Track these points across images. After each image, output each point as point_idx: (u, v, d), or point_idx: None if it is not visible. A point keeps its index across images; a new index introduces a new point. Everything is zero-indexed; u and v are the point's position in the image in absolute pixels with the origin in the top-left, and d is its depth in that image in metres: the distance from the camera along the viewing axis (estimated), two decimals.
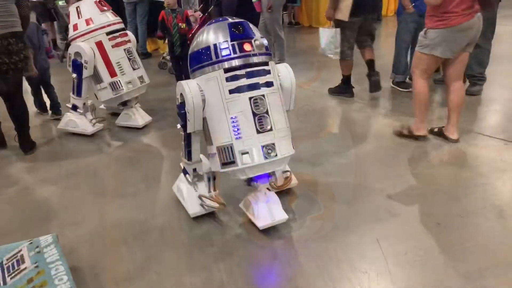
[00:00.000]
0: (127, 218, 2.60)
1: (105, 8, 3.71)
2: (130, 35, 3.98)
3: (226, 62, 2.12)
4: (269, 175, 2.31)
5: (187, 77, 4.75)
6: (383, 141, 3.48)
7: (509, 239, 2.26)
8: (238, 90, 2.12)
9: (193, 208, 2.47)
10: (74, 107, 3.82)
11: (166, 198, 2.78)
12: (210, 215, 2.53)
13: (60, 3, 6.07)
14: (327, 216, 2.51)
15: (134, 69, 3.77)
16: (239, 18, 2.30)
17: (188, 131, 2.28)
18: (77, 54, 3.59)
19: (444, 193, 2.70)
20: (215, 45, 2.14)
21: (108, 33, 3.63)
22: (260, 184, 2.33)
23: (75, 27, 3.64)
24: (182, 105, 2.24)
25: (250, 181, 2.33)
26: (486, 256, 2.13)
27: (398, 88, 4.61)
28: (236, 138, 2.13)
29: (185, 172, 2.57)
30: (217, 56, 2.13)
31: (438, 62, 3.27)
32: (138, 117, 3.93)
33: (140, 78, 3.81)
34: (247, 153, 2.13)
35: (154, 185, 3.02)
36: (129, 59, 3.73)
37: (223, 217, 2.53)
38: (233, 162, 2.15)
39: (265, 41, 2.24)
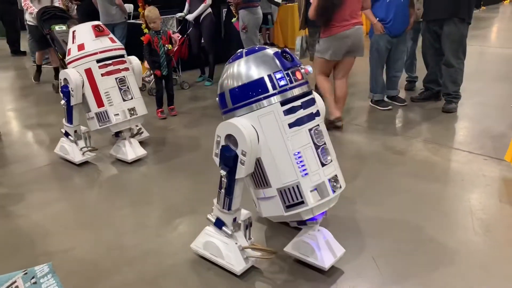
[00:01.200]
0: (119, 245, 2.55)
1: (102, 33, 3.54)
2: (134, 64, 3.77)
3: (283, 94, 1.91)
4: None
5: (171, 97, 4.79)
6: (364, 159, 3.56)
7: (498, 251, 2.34)
8: (298, 123, 1.93)
9: (239, 263, 2.18)
10: (66, 134, 3.69)
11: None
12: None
13: (57, 28, 5.77)
14: None
15: (124, 100, 3.53)
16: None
17: (241, 176, 1.99)
18: (66, 80, 3.48)
19: (432, 209, 2.77)
20: (269, 76, 1.92)
21: (99, 60, 3.45)
22: (319, 222, 2.13)
23: (69, 52, 3.54)
24: (228, 148, 1.98)
25: (303, 221, 2.10)
26: (476, 270, 2.20)
27: (377, 106, 4.74)
28: (303, 176, 1.92)
29: (220, 224, 2.23)
30: (274, 87, 1.91)
31: (329, 63, 4.05)
32: (129, 150, 3.65)
33: (131, 110, 3.55)
34: (315, 190, 1.95)
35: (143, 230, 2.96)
36: (120, 89, 3.51)
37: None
38: (301, 203, 1.94)
39: (309, 68, 2.05)
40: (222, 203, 2.14)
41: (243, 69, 1.95)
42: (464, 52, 4.46)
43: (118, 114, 3.48)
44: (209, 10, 6.01)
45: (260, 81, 1.91)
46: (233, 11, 5.67)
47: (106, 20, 6.19)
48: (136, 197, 3.12)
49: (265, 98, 1.90)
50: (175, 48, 5.49)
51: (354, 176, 3.21)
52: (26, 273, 1.92)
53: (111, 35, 3.64)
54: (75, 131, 3.66)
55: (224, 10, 6.46)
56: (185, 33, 5.97)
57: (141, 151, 3.72)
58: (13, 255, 2.43)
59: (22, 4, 6.19)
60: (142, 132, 4.02)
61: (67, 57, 3.57)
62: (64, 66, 5.70)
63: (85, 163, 3.66)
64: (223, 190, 2.09)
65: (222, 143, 2.00)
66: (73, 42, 3.51)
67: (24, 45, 9.36)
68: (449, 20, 4.28)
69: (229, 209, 2.13)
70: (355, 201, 2.87)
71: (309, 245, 2.14)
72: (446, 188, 3.03)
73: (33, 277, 1.88)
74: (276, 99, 1.90)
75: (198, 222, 2.57)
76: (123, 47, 3.68)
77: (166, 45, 4.66)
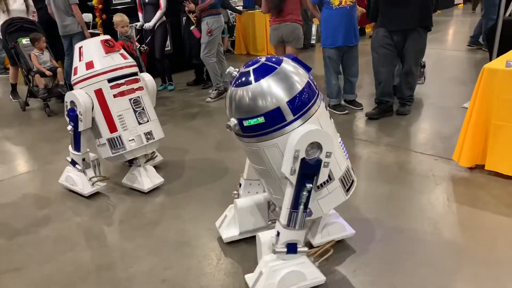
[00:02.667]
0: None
1: (113, 49, 3.15)
2: (148, 81, 3.42)
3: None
4: None
5: None
6: None
7: (445, 249, 2.43)
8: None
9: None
10: (73, 163, 3.26)
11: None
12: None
13: (24, 41, 5.49)
14: None
15: (140, 123, 3.15)
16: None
17: (324, 179, 2.03)
18: (73, 103, 3.06)
19: (383, 210, 2.85)
20: (311, 79, 2.03)
21: (110, 80, 3.05)
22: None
23: (75, 70, 3.11)
24: (312, 158, 1.95)
25: None
26: (426, 268, 2.27)
27: (334, 111, 4.82)
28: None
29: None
30: (316, 88, 2.04)
31: (275, 48, 5.08)
32: (145, 179, 3.25)
33: (148, 134, 3.18)
34: None
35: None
36: (135, 111, 3.13)
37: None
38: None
39: None
40: (301, 223, 2.04)
41: (288, 79, 1.94)
42: (420, 58, 4.62)
43: (133, 139, 3.11)
44: (163, 18, 6.01)
45: (307, 86, 1.96)
46: (192, 19, 5.67)
47: (63, 32, 6.09)
48: (155, 232, 2.78)
49: (315, 101, 1.98)
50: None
51: None
52: None
53: (123, 51, 3.28)
54: (83, 159, 3.24)
55: (184, 18, 6.46)
56: (143, 42, 5.94)
57: (158, 179, 3.33)
58: None
59: None
60: (156, 156, 3.63)
61: (73, 77, 3.14)
62: (29, 82, 5.48)
63: (95, 195, 3.27)
64: (301, 207, 2.00)
65: (302, 155, 1.91)
66: (79, 60, 3.09)
67: None
68: (414, 30, 4.22)
69: None
70: None
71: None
72: (397, 189, 3.11)
73: None
74: (320, 99, 2.04)
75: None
76: (135, 64, 3.30)
77: (142, 46, 5.10)
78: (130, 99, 3.11)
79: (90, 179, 3.24)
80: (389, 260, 2.35)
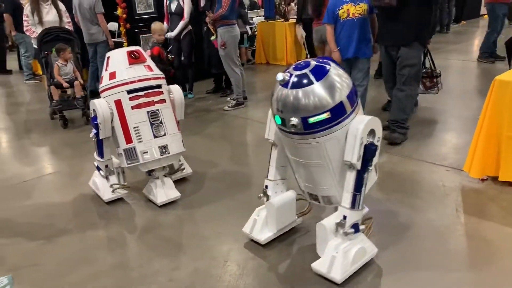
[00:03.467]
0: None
1: (137, 60, 3.14)
2: (175, 94, 3.38)
3: None
4: None
5: None
6: None
7: (449, 259, 2.44)
8: None
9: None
10: (98, 168, 3.36)
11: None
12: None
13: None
14: None
15: (156, 136, 3.11)
16: None
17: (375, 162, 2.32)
18: (95, 111, 3.14)
19: (390, 218, 2.87)
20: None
21: (130, 91, 3.06)
22: None
23: (101, 79, 3.20)
24: (372, 142, 2.22)
25: None
26: (429, 276, 2.29)
27: None
28: None
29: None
30: None
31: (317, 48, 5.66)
32: (160, 192, 3.22)
33: (163, 148, 3.13)
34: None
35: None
36: (152, 124, 3.10)
37: None
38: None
39: None
40: (362, 204, 2.30)
41: (341, 76, 2.18)
42: (418, 79, 4.24)
43: (146, 152, 3.09)
44: (189, 28, 6.18)
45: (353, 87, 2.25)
46: (212, 29, 5.82)
47: (89, 40, 6.35)
48: (166, 235, 2.86)
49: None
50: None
51: None
52: None
53: (149, 62, 3.24)
54: (106, 166, 3.31)
55: (204, 28, 6.63)
56: (166, 51, 6.11)
57: (173, 194, 3.26)
58: None
59: (25, 29, 5.90)
60: (183, 169, 3.60)
61: (99, 85, 3.25)
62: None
63: (116, 201, 3.33)
64: (363, 188, 2.27)
65: (365, 142, 2.18)
66: (105, 69, 3.18)
67: (10, 64, 9.52)
68: (407, 44, 3.95)
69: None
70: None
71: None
72: (405, 198, 3.13)
73: None
74: None
75: None
76: (161, 76, 3.27)
77: (170, 55, 5.46)
78: (148, 112, 3.10)
79: (111, 185, 3.31)
80: (392, 268, 2.38)
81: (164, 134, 3.17)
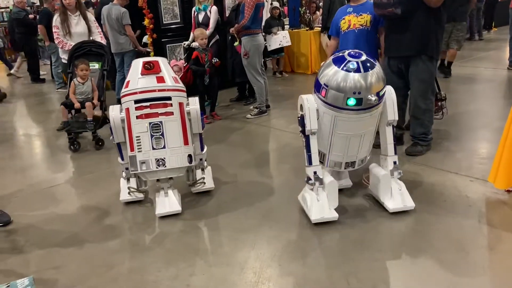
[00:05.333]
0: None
1: (150, 71, 3.16)
2: (190, 107, 3.29)
3: None
4: None
5: (213, 104, 5.86)
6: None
7: (469, 271, 2.38)
8: None
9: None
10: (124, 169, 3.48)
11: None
12: None
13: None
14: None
15: (154, 148, 3.12)
16: None
17: None
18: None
19: (410, 229, 2.83)
20: None
21: (136, 101, 3.11)
22: None
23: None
24: None
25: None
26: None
27: None
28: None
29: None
30: None
31: None
32: (160, 203, 3.24)
33: (160, 160, 3.13)
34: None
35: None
36: (152, 136, 3.11)
37: None
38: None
39: None
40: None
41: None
42: (433, 92, 4.05)
43: (144, 162, 3.13)
44: (217, 37, 6.27)
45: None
46: (236, 36, 5.90)
47: (116, 49, 6.54)
48: (185, 241, 2.90)
49: None
50: (181, 75, 5.73)
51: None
52: (8, 286, 2.06)
53: (163, 73, 3.22)
54: (127, 168, 3.40)
55: (229, 37, 6.71)
56: (190, 60, 6.21)
57: (174, 207, 3.23)
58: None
59: (56, 42, 5.64)
60: (203, 183, 3.52)
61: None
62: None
63: (136, 206, 3.42)
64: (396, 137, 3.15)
65: None
66: (126, 77, 3.35)
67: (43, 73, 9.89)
68: (416, 58, 3.79)
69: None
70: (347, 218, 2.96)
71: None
72: (427, 208, 3.07)
73: None
74: None
75: None
76: (173, 87, 3.22)
77: (214, 59, 5.59)
78: (150, 123, 3.11)
79: (128, 187, 3.41)
80: (411, 278, 2.34)
81: (163, 147, 3.14)
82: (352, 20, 4.06)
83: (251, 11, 5.49)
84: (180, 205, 3.27)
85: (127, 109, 3.15)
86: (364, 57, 2.73)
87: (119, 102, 3.39)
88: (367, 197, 3.28)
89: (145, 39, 6.92)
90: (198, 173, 3.54)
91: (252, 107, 6.17)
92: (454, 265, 2.43)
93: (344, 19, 4.11)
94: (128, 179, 3.44)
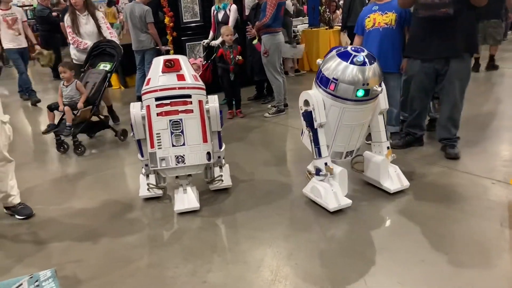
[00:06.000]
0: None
1: (170, 69, 3.20)
2: (210, 105, 3.31)
3: None
4: None
5: (238, 102, 5.93)
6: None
7: (490, 276, 2.34)
8: None
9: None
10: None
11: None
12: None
13: (102, 66, 5.16)
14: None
15: (174, 145, 3.15)
16: None
17: None
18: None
19: (430, 231, 2.79)
20: None
21: (157, 99, 3.14)
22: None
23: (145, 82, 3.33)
24: None
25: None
26: None
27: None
28: None
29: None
30: None
31: None
32: (179, 200, 3.27)
33: (179, 157, 3.15)
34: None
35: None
36: (172, 133, 3.14)
37: None
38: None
39: None
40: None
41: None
42: (465, 91, 3.92)
43: (164, 159, 3.17)
44: (236, 35, 6.28)
45: None
46: (256, 34, 5.90)
47: (137, 47, 6.62)
48: (202, 237, 2.93)
49: None
50: (200, 73, 5.77)
51: (364, 195, 3.28)
52: (31, 277, 2.11)
53: (183, 71, 3.24)
54: (146, 165, 3.43)
55: (248, 36, 6.71)
56: (209, 59, 6.25)
57: (192, 204, 3.25)
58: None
59: (71, 41, 5.54)
60: (221, 180, 3.54)
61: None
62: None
63: (155, 202, 3.47)
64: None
65: None
66: (147, 74, 3.41)
67: None
68: (458, 57, 3.70)
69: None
70: (361, 219, 2.94)
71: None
72: (447, 210, 3.03)
73: (36, 281, 2.07)
74: None
75: None
76: (193, 85, 3.24)
77: (237, 57, 5.58)
78: (170, 120, 3.14)
79: (147, 184, 3.45)
80: (431, 279, 2.31)
81: (183, 144, 3.17)
82: (377, 19, 4.02)
83: (273, 9, 5.50)
84: (198, 202, 3.28)
85: (148, 107, 3.18)
86: (366, 52, 2.97)
87: (139, 99, 3.43)
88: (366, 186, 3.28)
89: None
90: (216, 171, 3.56)
91: (270, 105, 6.17)
92: (474, 268, 2.40)
93: (369, 17, 4.07)
94: (147, 176, 3.48)
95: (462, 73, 3.77)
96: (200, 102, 3.25)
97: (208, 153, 3.27)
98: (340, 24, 8.38)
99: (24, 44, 7.58)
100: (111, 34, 5.62)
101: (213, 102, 3.34)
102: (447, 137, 3.97)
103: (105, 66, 5.19)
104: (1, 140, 3.09)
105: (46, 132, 4.92)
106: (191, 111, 3.20)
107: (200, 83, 3.32)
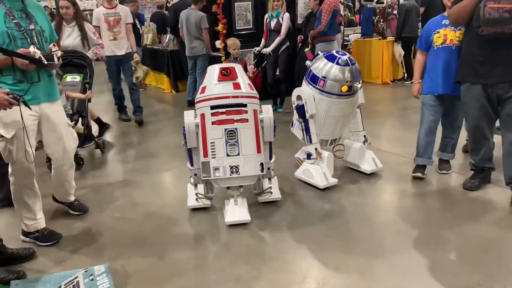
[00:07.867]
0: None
1: (227, 77, 3.18)
2: (264, 115, 3.27)
3: None
4: None
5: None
6: (428, 196, 3.51)
7: None
8: None
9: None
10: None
11: None
12: None
13: (69, 78, 4.62)
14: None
15: (228, 155, 3.10)
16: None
17: None
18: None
19: (478, 250, 2.68)
20: None
21: (213, 107, 3.13)
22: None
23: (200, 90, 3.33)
24: None
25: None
26: None
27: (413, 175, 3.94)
28: None
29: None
30: None
31: None
32: (230, 211, 3.20)
33: (233, 168, 3.10)
34: None
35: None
36: (227, 142, 3.10)
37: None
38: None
39: None
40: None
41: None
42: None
43: (218, 169, 3.11)
44: (287, 44, 6.30)
45: None
46: (309, 41, 5.90)
47: (190, 53, 6.79)
48: (248, 244, 2.94)
49: None
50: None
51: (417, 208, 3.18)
52: (86, 271, 2.20)
53: (239, 80, 3.24)
54: (195, 174, 3.39)
55: (299, 45, 6.72)
56: (260, 66, 6.30)
57: (243, 216, 3.18)
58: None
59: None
60: (270, 193, 3.45)
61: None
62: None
63: (199, 210, 3.44)
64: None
65: None
66: (202, 82, 3.36)
67: None
68: None
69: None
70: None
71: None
72: (475, 227, 2.95)
73: (91, 275, 2.16)
74: None
75: None
76: (250, 94, 3.23)
77: (253, 69, 5.62)
78: (225, 129, 3.11)
79: (196, 194, 3.41)
80: None
81: (238, 154, 3.12)
82: (449, 35, 3.50)
83: (328, 17, 5.50)
84: (249, 214, 3.22)
85: (202, 115, 3.16)
86: (348, 55, 3.62)
87: (190, 103, 3.49)
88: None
89: (217, 44, 7.10)
90: (265, 182, 3.51)
91: None
92: (499, 281, 2.27)
93: (438, 32, 3.55)
94: (195, 185, 3.44)
95: None
96: (255, 111, 3.23)
97: (261, 164, 3.21)
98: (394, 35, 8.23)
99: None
100: (98, 47, 5.05)
101: (268, 112, 3.31)
102: (481, 166, 3.51)
103: (73, 78, 4.62)
104: (70, 144, 3.13)
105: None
106: (246, 120, 3.16)
107: (255, 92, 3.30)
